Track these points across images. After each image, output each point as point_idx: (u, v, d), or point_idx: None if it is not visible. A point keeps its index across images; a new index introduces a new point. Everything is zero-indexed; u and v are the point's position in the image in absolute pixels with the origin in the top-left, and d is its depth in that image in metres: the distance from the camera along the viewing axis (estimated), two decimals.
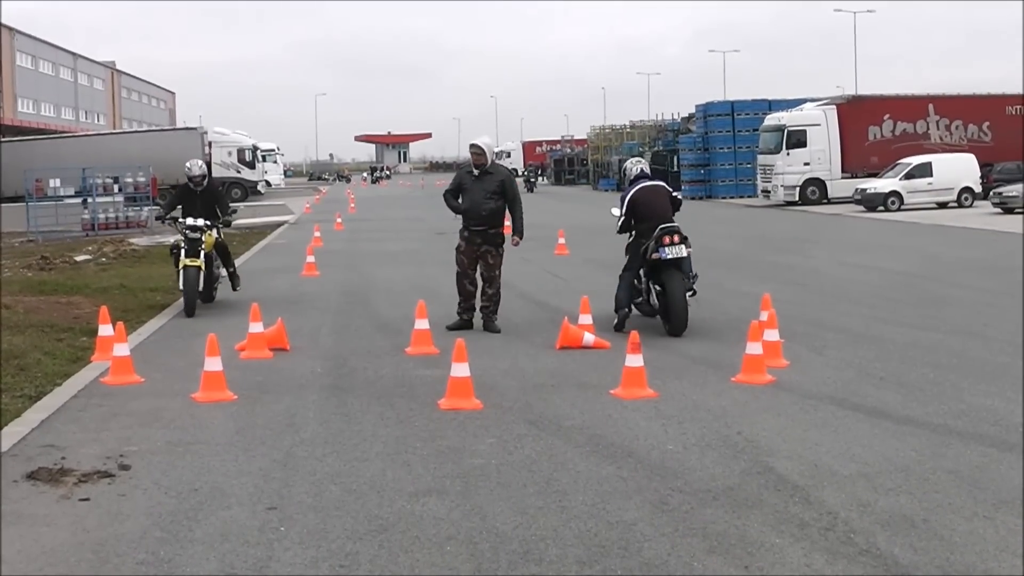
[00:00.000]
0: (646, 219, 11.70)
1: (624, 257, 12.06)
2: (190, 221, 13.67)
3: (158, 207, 16.93)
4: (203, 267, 13.43)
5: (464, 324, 11.85)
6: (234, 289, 14.34)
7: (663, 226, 11.44)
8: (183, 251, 13.45)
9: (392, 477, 6.37)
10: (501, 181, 11.76)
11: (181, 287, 13.42)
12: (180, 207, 14.03)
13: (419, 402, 8.36)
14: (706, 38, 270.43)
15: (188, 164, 14.41)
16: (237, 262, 21.28)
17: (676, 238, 11.42)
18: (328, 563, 5.01)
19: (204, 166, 14.38)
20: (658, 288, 11.55)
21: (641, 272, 11.66)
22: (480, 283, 11.94)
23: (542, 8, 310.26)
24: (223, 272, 14.49)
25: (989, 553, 5.01)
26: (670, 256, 11.33)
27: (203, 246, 13.49)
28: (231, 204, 14.88)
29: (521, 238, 12.09)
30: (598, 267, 19.04)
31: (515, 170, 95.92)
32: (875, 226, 29.74)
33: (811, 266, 18.82)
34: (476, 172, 11.81)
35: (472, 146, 11.88)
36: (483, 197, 11.70)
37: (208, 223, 13.76)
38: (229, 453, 6.97)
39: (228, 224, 14.68)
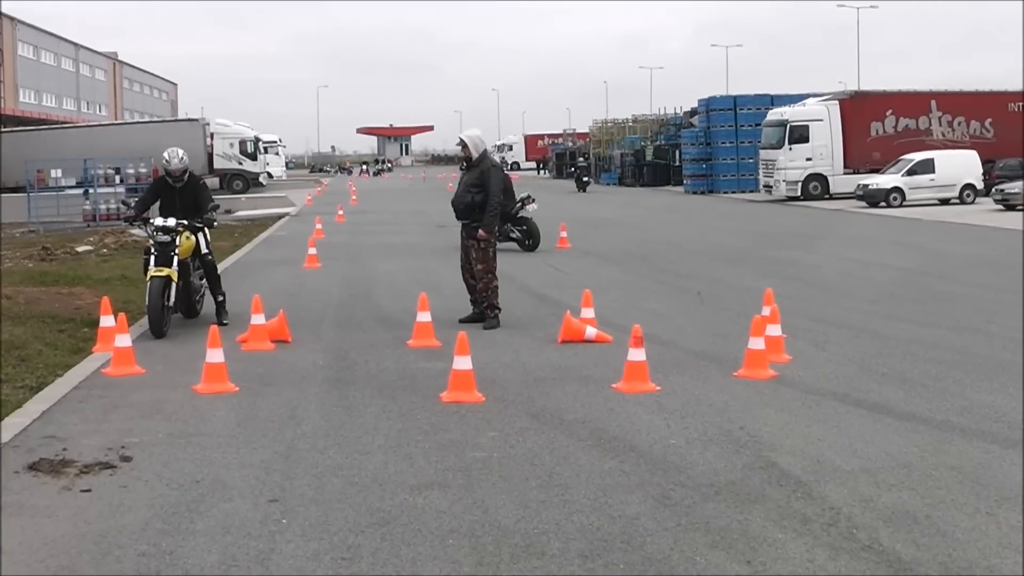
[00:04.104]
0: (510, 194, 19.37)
1: None
2: (159, 221, 11.43)
3: (124, 206, 13.69)
4: (175, 277, 11.24)
5: (475, 316, 11.83)
6: (222, 323, 11.26)
7: (527, 195, 20.76)
8: (152, 258, 11.30)
9: (394, 470, 6.37)
10: (481, 173, 11.66)
11: (147, 303, 11.21)
12: (157, 206, 11.91)
13: (421, 395, 8.36)
14: (709, 33, 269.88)
15: (166, 155, 11.80)
16: (238, 254, 21.39)
17: (531, 200, 20.74)
18: (330, 556, 5.00)
19: (185, 158, 11.83)
20: (523, 228, 20.53)
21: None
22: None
23: (544, 2, 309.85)
24: (205, 283, 12.23)
25: (991, 549, 5.01)
26: (530, 211, 20.83)
27: (176, 252, 11.30)
28: (216, 201, 12.32)
29: (486, 233, 11.61)
30: (600, 260, 19.06)
31: (516, 164, 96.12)
32: (877, 222, 29.72)
33: (813, 262, 18.80)
34: (464, 165, 11.90)
35: (458, 139, 12.02)
36: (463, 190, 11.71)
37: (184, 223, 11.51)
38: (231, 445, 6.96)
39: (211, 224, 12.12)
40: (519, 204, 20.45)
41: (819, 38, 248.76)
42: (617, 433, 7.18)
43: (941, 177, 36.44)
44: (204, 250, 11.94)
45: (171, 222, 11.43)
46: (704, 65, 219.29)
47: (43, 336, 11.02)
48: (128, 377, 9.12)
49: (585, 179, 52.58)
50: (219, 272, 12.45)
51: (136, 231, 19.44)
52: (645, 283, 15.85)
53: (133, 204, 12.52)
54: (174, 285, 11.27)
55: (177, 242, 11.38)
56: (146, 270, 11.38)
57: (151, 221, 11.62)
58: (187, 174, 11.85)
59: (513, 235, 20.55)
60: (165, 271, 11.16)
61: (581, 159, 60.00)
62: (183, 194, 11.78)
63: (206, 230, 12.07)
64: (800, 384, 8.66)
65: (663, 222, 30.00)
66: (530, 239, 20.71)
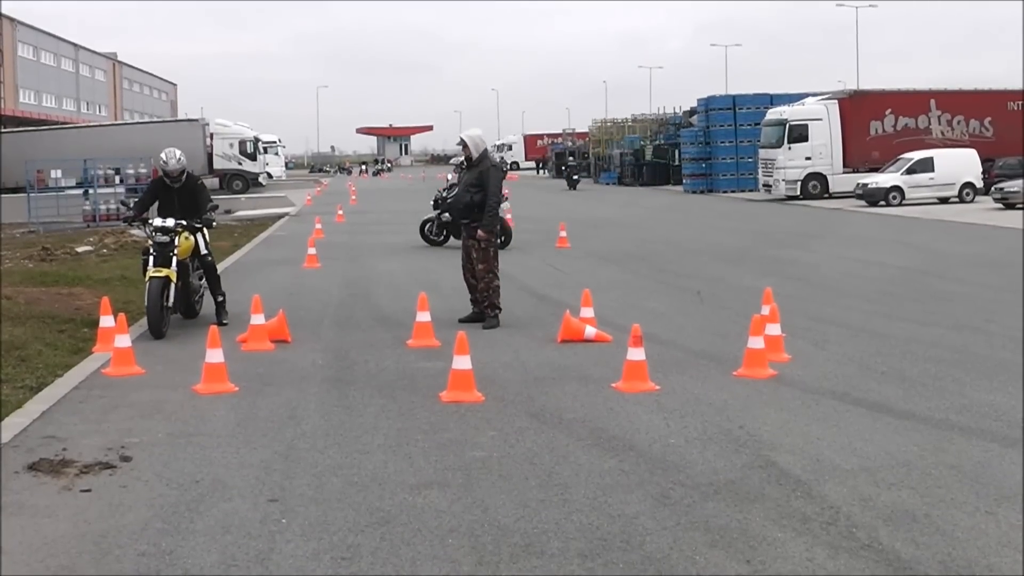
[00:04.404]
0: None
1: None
2: (158, 222, 11.41)
3: (124, 207, 13.54)
4: (174, 278, 11.21)
5: (475, 316, 11.83)
6: (221, 324, 11.28)
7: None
8: (151, 259, 11.27)
9: (394, 470, 6.37)
10: (480, 173, 11.64)
11: (146, 303, 11.18)
12: (156, 206, 11.85)
13: (420, 395, 8.36)
14: (708, 32, 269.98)
15: (164, 156, 11.76)
16: (238, 254, 21.40)
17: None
18: (330, 555, 5.00)
19: (182, 158, 11.79)
20: None
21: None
22: None
23: (544, 1, 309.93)
24: (205, 283, 12.24)
25: (991, 548, 5.01)
26: (502, 209, 18.41)
27: (175, 252, 11.28)
28: (215, 201, 12.24)
29: (486, 232, 11.58)
30: (599, 260, 19.07)
31: (516, 163, 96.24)
32: (876, 221, 29.72)
33: (812, 261, 18.81)
34: (464, 165, 11.91)
35: (459, 139, 12.05)
36: (463, 190, 11.74)
37: (183, 223, 11.49)
38: (230, 445, 6.97)
39: (210, 224, 12.05)
40: None
41: (818, 38, 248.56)
42: (616, 432, 7.18)
43: (940, 176, 36.46)
44: (203, 251, 11.91)
45: (169, 222, 11.38)
46: (703, 65, 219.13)
47: (43, 336, 11.02)
48: (128, 377, 9.12)
49: (575, 177, 56.37)
50: (219, 272, 12.43)
51: (136, 231, 19.39)
52: (645, 282, 15.86)
53: (132, 204, 12.47)
54: (173, 286, 11.23)
55: (176, 242, 11.34)
56: (145, 271, 11.34)
57: (149, 221, 11.60)
58: (185, 174, 11.80)
59: None
60: (164, 271, 11.12)
61: (571, 158, 64.55)
62: (181, 194, 11.73)
63: (205, 230, 12.03)
64: (799, 383, 8.66)
65: (663, 221, 30.01)
66: (501, 236, 21.09)
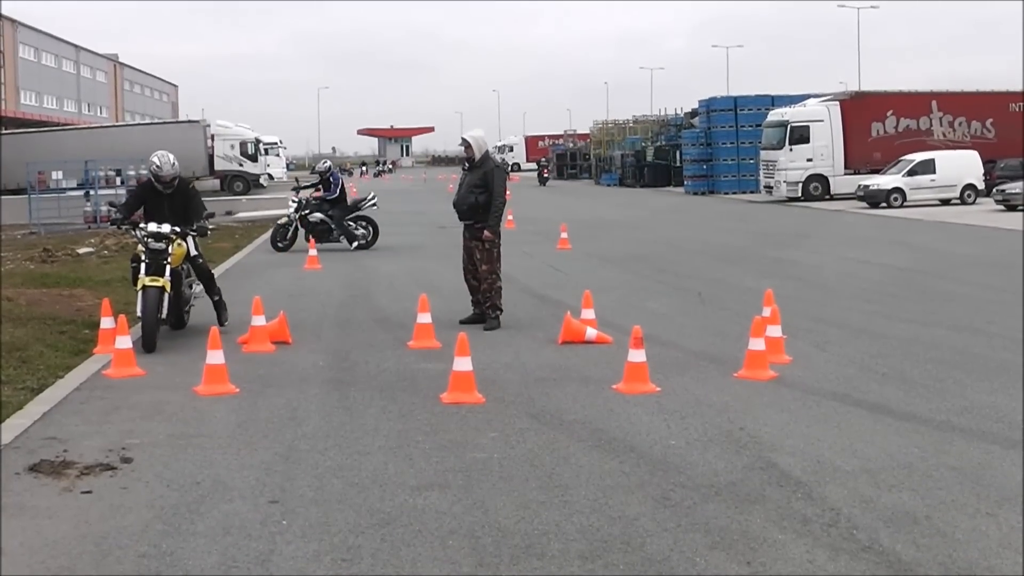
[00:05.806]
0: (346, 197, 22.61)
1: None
2: (152, 227, 10.80)
3: (112, 208, 12.94)
4: (168, 287, 10.66)
5: (476, 317, 11.83)
6: (221, 324, 11.14)
7: (372, 195, 23.35)
8: (143, 266, 10.68)
9: (394, 471, 6.37)
10: (484, 174, 11.65)
11: (139, 313, 10.62)
12: (143, 211, 11.26)
13: (421, 396, 8.36)
14: (709, 33, 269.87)
15: (157, 161, 11.06)
16: (239, 256, 21.40)
17: (373, 199, 22.95)
18: (330, 557, 5.00)
19: (176, 163, 11.16)
20: (363, 223, 22.47)
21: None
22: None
23: (545, 1, 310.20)
24: (197, 290, 11.79)
25: (991, 550, 5.00)
26: (372, 210, 22.86)
27: (169, 260, 10.71)
28: (209, 209, 11.76)
29: (492, 233, 11.59)
30: (600, 261, 19.06)
31: (516, 164, 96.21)
32: (878, 222, 29.71)
33: (814, 262, 18.80)
34: (467, 166, 11.91)
35: (461, 140, 12.04)
36: (466, 191, 11.71)
37: (177, 230, 10.90)
38: (231, 446, 6.97)
39: (204, 232, 11.48)
40: (372, 203, 22.72)
41: (820, 38, 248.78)
42: (617, 434, 7.18)
43: (942, 177, 36.45)
44: (193, 252, 11.40)
45: (165, 228, 10.82)
46: (705, 65, 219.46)
47: (44, 338, 11.03)
48: (129, 379, 9.12)
49: (545, 175, 66.69)
50: (214, 273, 12.27)
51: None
52: (645, 283, 15.85)
53: (118, 207, 11.91)
54: (167, 296, 10.70)
55: (170, 250, 10.80)
56: (135, 279, 10.78)
57: (140, 226, 11.05)
58: (177, 180, 11.22)
59: (358, 232, 22.35)
60: (159, 281, 10.60)
61: (543, 159, 73.96)
62: (172, 200, 11.14)
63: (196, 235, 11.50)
64: (800, 384, 8.65)
65: (664, 223, 29.99)
66: (368, 235, 22.42)
